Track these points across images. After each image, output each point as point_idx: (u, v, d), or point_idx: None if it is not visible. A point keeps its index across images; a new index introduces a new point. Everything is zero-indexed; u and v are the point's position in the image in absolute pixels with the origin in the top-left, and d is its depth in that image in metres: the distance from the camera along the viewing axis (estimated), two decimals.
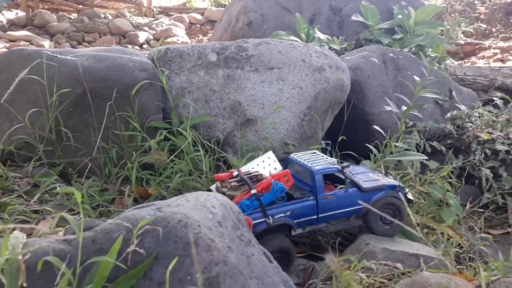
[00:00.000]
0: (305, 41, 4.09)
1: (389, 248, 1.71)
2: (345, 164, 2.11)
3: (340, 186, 2.06)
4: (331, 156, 3.01)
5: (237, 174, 1.95)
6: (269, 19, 4.48)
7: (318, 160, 2.07)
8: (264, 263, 1.24)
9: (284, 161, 2.25)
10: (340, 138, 2.67)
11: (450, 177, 2.90)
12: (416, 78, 2.57)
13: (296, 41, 4.00)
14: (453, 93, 3.61)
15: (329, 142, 3.60)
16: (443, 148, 3.25)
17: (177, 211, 1.05)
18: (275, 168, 2.17)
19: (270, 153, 2.21)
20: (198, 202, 1.14)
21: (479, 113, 3.41)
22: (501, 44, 11.38)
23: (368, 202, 1.99)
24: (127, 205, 2.00)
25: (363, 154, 2.85)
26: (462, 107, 3.48)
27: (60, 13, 12.18)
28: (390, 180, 2.14)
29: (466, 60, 11.24)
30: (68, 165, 2.29)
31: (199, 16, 12.64)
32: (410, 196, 2.18)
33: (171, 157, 2.27)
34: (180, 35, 10.75)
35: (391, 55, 3.39)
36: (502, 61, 10.33)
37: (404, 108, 2.83)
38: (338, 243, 2.10)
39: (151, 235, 1.00)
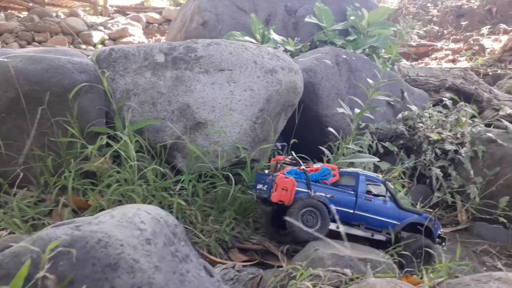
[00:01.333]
0: (260, 42, 4.04)
1: (338, 253, 1.68)
2: (387, 178, 2.37)
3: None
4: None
5: (292, 156, 2.27)
6: (224, 19, 4.40)
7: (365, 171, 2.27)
8: (201, 279, 1.16)
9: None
10: (292, 141, 2.63)
11: (402, 178, 2.94)
12: (370, 80, 2.57)
13: (251, 42, 3.95)
14: (405, 94, 3.68)
15: (285, 144, 3.57)
16: (395, 149, 3.29)
17: (98, 229, 0.95)
18: None
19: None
20: (125, 218, 1.04)
21: (429, 114, 3.48)
22: (453, 45, 11.87)
23: (402, 222, 2.16)
24: (64, 217, 1.86)
25: (319, 155, 2.83)
26: (414, 107, 3.54)
27: (9, 11, 11.55)
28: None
29: (420, 61, 11.62)
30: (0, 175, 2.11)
31: (157, 16, 12.37)
32: (443, 235, 2.30)
33: (115, 165, 2.15)
34: (136, 35, 10.46)
35: (344, 56, 3.40)
36: (453, 62, 10.76)
37: (357, 110, 2.84)
38: (289, 250, 2.06)
39: (66, 257, 0.90)
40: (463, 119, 3.38)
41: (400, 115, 3.45)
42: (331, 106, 3.30)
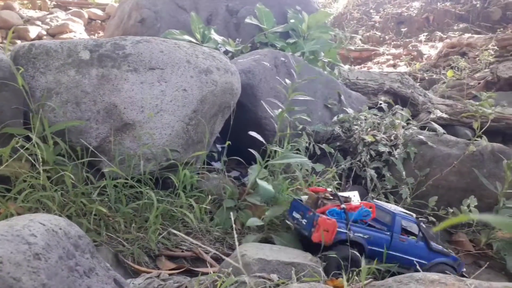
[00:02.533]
0: (200, 42, 3.96)
1: (265, 258, 1.65)
2: (421, 218, 2.48)
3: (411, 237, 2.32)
4: (220, 160, 2.93)
5: (331, 190, 2.34)
6: (163, 17, 4.27)
7: (397, 209, 2.38)
8: None
9: None
10: (227, 143, 2.58)
11: (337, 179, 2.98)
12: (287, 80, 2.58)
13: (191, 41, 3.86)
14: (342, 97, 3.75)
15: (225, 146, 3.51)
16: (332, 150, 3.34)
17: None
18: None
19: (356, 193, 2.53)
20: (11, 231, 0.93)
21: (364, 116, 3.57)
22: (393, 51, 12.42)
23: (430, 262, 2.27)
24: None
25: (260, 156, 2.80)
26: (350, 110, 3.62)
27: None
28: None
29: (364, 65, 12.06)
30: None
31: (100, 12, 11.86)
32: (465, 274, 2.41)
33: (34, 169, 1.98)
34: (78, 31, 9.97)
35: (283, 59, 3.40)
36: (394, 66, 11.26)
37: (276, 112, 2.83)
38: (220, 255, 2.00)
39: None
40: (397, 121, 3.50)
41: (335, 118, 3.51)
42: (269, 108, 3.29)
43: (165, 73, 2.40)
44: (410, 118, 3.89)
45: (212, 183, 2.52)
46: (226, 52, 4.00)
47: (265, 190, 2.41)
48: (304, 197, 2.38)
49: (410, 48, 11.75)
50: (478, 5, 12.99)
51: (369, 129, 3.48)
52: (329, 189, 2.38)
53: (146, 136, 2.28)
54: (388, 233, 2.23)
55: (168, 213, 2.13)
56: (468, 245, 2.82)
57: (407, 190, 3.06)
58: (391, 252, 2.20)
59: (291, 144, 2.86)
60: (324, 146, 3.28)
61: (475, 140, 3.12)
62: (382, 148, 3.30)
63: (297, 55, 3.74)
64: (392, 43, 12.76)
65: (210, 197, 2.23)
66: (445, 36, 11.95)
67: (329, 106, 3.61)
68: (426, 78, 8.43)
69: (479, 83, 7.42)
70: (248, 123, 3.34)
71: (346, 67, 5.49)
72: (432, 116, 4.12)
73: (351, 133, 3.48)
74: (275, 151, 2.71)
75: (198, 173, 2.51)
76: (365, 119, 3.54)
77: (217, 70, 2.61)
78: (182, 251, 2.04)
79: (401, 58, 11.36)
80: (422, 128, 5.81)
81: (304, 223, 2.11)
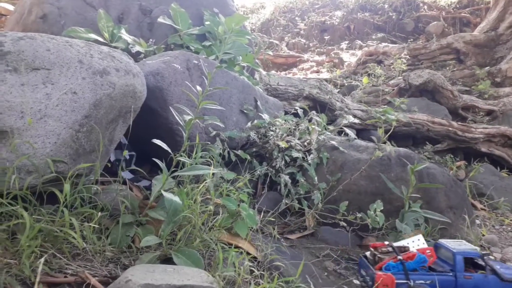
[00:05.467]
0: (109, 41, 3.67)
1: (153, 283, 1.47)
2: (485, 252, 2.47)
3: (480, 271, 2.31)
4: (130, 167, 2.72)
5: (389, 244, 2.41)
6: (68, 14, 3.92)
7: (462, 246, 2.38)
8: None
9: (434, 246, 2.52)
10: (125, 152, 2.37)
11: (249, 187, 2.89)
12: (198, 87, 2.44)
13: (97, 40, 3.56)
14: (258, 102, 3.68)
15: (133, 153, 3.26)
16: (248, 157, 3.24)
17: None
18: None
19: (420, 236, 2.55)
20: None
21: (280, 122, 3.53)
22: (317, 57, 12.83)
23: None
24: None
25: (170, 164, 2.61)
26: (265, 116, 3.56)
27: None
28: None
29: (289, 71, 12.30)
30: None
31: (11, 7, 10.84)
32: None
33: None
34: None
35: (196, 62, 3.25)
36: (317, 73, 11.61)
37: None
38: (110, 279, 1.79)
39: None
40: (311, 127, 3.50)
41: (249, 124, 3.42)
42: (181, 113, 3.11)
43: (52, 74, 2.13)
44: (325, 123, 3.93)
45: (109, 197, 2.29)
46: (137, 53, 3.75)
47: (170, 202, 2.22)
48: (368, 253, 2.49)
49: (333, 55, 12.22)
50: (394, 17, 13.90)
51: (284, 135, 3.44)
52: (386, 242, 2.46)
53: (27, 144, 1.99)
54: (451, 273, 2.27)
55: (50, 234, 1.86)
56: None
57: (319, 195, 3.05)
58: None
59: (203, 152, 2.71)
60: (239, 152, 3.18)
61: (381, 145, 3.20)
62: (295, 154, 3.28)
63: (212, 59, 3.60)
64: (316, 50, 13.20)
65: (100, 213, 2.00)
66: (365, 44, 12.59)
67: (245, 111, 3.52)
68: (346, 84, 8.76)
69: (393, 90, 7.85)
70: (159, 129, 3.14)
71: (264, 73, 5.48)
72: (344, 121, 4.21)
73: (267, 139, 3.42)
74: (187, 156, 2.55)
75: (93, 185, 2.26)
76: (280, 125, 3.50)
77: (115, 71, 2.38)
78: (66, 276, 1.79)
79: (324, 65, 11.76)
80: (340, 133, 5.98)
81: (368, 279, 2.26)
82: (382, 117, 3.24)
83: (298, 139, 3.55)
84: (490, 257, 2.42)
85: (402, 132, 6.11)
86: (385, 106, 6.97)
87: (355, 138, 3.55)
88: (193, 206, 2.28)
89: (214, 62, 3.50)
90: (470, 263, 2.39)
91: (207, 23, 3.96)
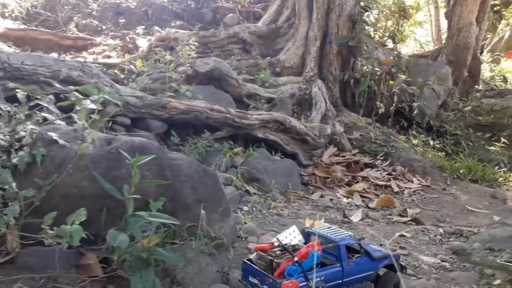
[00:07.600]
0: None
1: None
2: (360, 237, 2.81)
3: (356, 255, 2.64)
4: None
5: (279, 244, 2.52)
6: None
7: (338, 233, 2.62)
8: None
9: (306, 235, 2.73)
10: None
11: None
12: None
13: None
14: None
15: None
16: None
17: None
18: (299, 240, 2.70)
19: (295, 227, 2.79)
20: None
21: None
22: (111, 41, 11.70)
23: (376, 269, 2.63)
24: None
25: None
26: None
27: None
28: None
29: (78, 54, 10.88)
30: None
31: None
32: (403, 264, 2.88)
33: None
34: None
35: None
36: (109, 57, 10.56)
37: None
38: None
39: None
40: (22, 116, 2.67)
41: None
42: None
43: None
44: (57, 111, 3.13)
45: None
46: None
47: None
48: (253, 256, 2.50)
49: (128, 40, 11.30)
50: (192, 5, 13.76)
51: None
52: (274, 240, 2.51)
53: None
54: (339, 264, 2.46)
55: None
56: (96, 268, 2.27)
57: (17, 208, 2.26)
58: (346, 280, 2.45)
59: None
60: None
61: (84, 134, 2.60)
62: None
63: None
64: (110, 33, 12.01)
65: None
66: (163, 30, 12.03)
67: None
68: (135, 70, 8.05)
69: (181, 77, 7.51)
70: None
71: (6, 48, 4.31)
72: (116, 109, 3.48)
73: None
74: None
75: None
76: None
77: None
78: None
79: (117, 49, 10.76)
80: (111, 122, 5.19)
81: None
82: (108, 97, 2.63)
83: (11, 132, 2.68)
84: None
85: (181, 120, 5.75)
86: (172, 93, 6.57)
87: (84, 127, 2.85)
88: None
89: None
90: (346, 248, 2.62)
91: None
